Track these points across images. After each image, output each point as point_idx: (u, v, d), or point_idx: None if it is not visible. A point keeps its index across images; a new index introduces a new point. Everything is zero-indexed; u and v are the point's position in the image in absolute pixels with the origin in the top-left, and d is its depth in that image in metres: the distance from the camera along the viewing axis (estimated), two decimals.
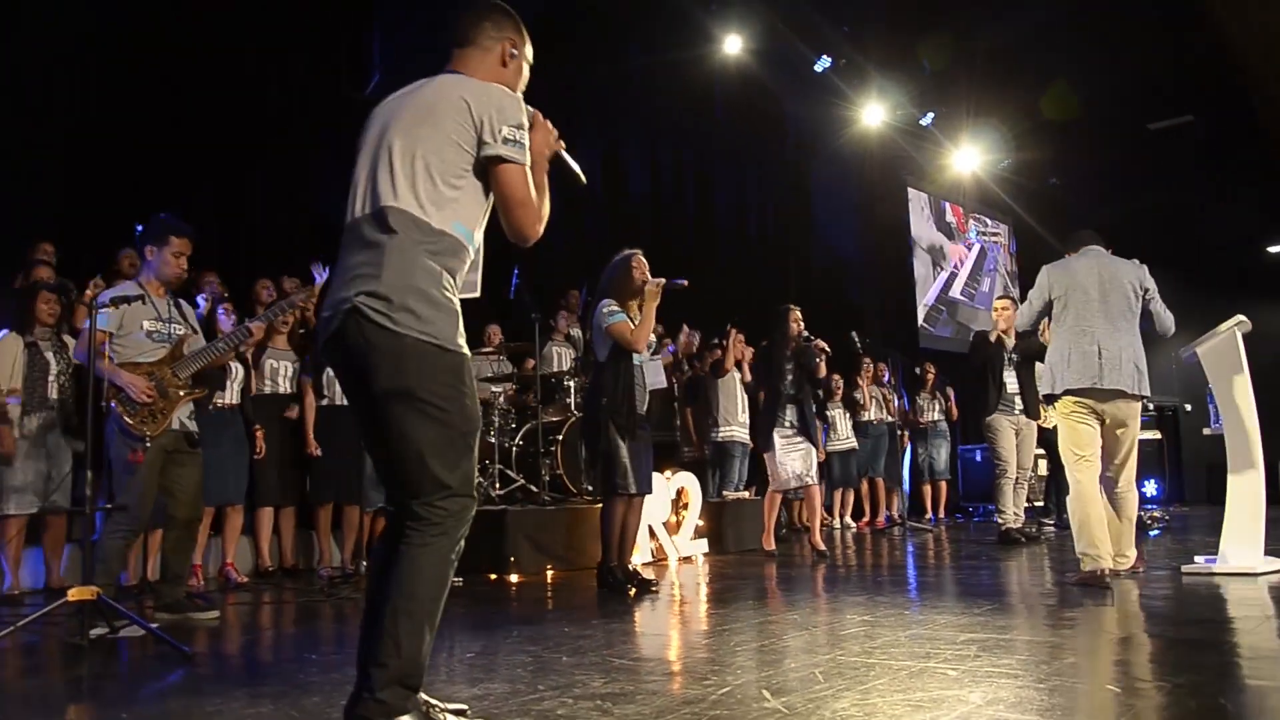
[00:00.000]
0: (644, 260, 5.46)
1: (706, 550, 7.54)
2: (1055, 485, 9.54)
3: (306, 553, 7.15)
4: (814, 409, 7.40)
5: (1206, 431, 5.69)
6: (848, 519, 10.89)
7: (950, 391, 11.92)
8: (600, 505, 5.63)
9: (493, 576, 6.25)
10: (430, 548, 2.22)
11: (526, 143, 2.35)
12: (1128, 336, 5.15)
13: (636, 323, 5.33)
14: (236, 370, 6.34)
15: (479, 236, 2.40)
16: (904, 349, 13.80)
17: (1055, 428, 5.46)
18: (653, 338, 5.47)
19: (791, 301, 7.53)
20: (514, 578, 6.23)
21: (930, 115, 14.34)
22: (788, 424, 7.16)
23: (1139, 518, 6.21)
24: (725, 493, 8.84)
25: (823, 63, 12.75)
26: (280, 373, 6.75)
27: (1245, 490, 5.13)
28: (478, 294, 2.50)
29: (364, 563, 6.31)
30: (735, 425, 9.03)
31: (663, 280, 5.35)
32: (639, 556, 6.49)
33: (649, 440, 5.57)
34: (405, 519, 2.24)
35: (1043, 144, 14.54)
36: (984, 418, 7.91)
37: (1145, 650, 3.36)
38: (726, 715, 2.44)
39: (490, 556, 6.36)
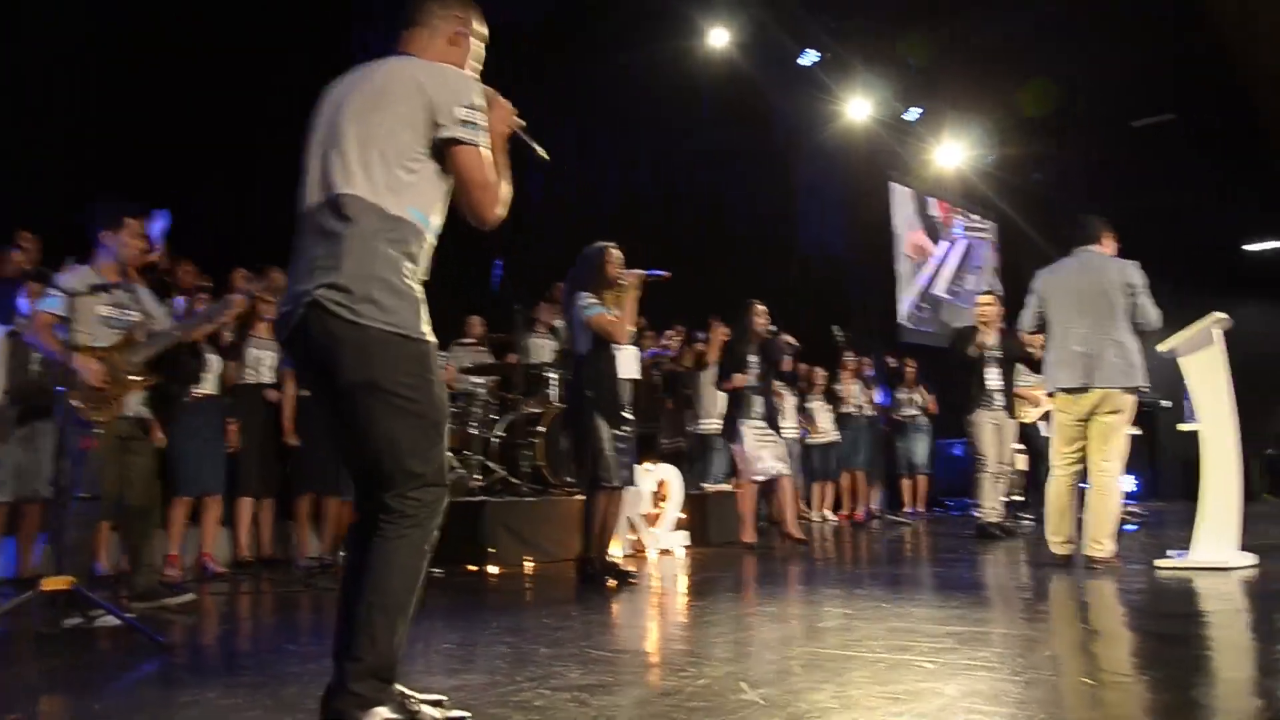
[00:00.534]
0: (616, 253, 5.45)
1: (686, 543, 7.55)
2: (1033, 480, 9.60)
3: (285, 543, 7.12)
4: (779, 402, 7.52)
5: (1182, 427, 5.73)
6: (827, 512, 10.92)
7: (929, 386, 11.96)
8: (580, 497, 5.62)
9: (472, 568, 6.24)
10: (405, 539, 2.20)
11: (483, 123, 2.30)
12: (1112, 334, 5.37)
13: (614, 314, 5.32)
14: (213, 360, 6.31)
15: (437, 221, 2.35)
16: (886, 344, 13.86)
17: (1034, 424, 5.59)
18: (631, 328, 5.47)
19: (774, 295, 7.57)
20: (493, 569, 6.22)
21: (915, 111, 14.36)
22: (756, 415, 7.26)
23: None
24: (705, 485, 8.85)
25: (808, 57, 12.75)
26: (262, 362, 6.70)
27: (1220, 486, 5.18)
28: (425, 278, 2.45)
29: (342, 554, 6.28)
30: (716, 418, 9.03)
31: (642, 271, 5.35)
32: (618, 549, 6.50)
33: (633, 432, 5.58)
34: (378, 512, 2.21)
35: (1026, 140, 14.59)
36: (965, 415, 7.97)
37: (1120, 644, 3.39)
38: (704, 707, 2.45)
39: (469, 548, 6.34)
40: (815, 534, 9.26)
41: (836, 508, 11.17)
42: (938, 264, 16.65)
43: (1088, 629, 3.70)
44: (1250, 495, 6.04)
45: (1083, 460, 5.52)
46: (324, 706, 2.20)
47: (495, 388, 8.08)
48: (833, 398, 10.82)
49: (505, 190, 2.35)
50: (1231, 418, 5.22)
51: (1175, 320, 5.69)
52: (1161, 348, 5.45)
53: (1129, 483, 13.62)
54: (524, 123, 2.52)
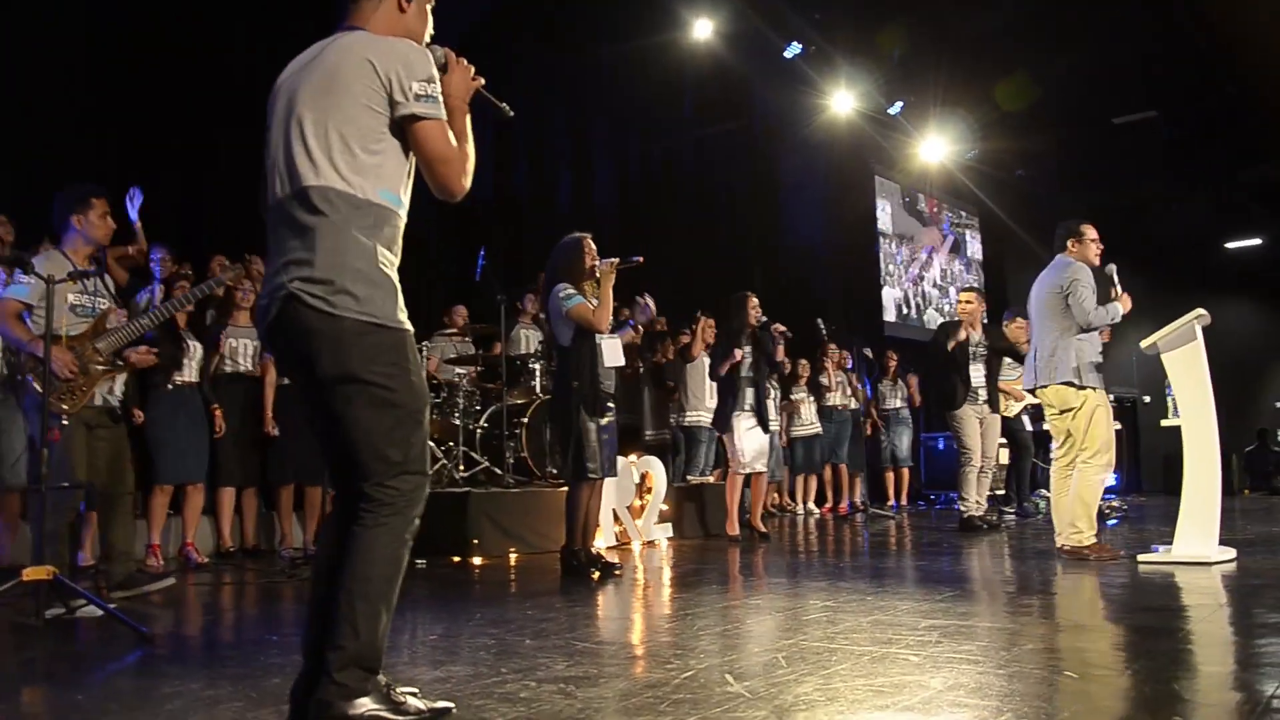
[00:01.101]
0: (592, 244, 5.45)
1: (670, 534, 7.56)
2: (1016, 474, 9.66)
3: (268, 533, 7.09)
4: (770, 392, 7.57)
5: (1164, 423, 5.80)
6: (810, 505, 10.95)
7: (913, 379, 12.01)
8: (564, 488, 5.62)
9: (455, 559, 6.23)
10: (385, 528, 2.19)
11: (440, 96, 2.26)
12: (1041, 336, 5.76)
13: (593, 304, 5.32)
14: (195, 348, 6.27)
15: (407, 199, 2.33)
16: (869, 337, 13.90)
17: (1018, 418, 5.66)
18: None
19: (758, 288, 7.60)
20: (477, 560, 6.21)
21: (899, 104, 14.39)
22: (746, 406, 7.31)
23: (1098, 508, 6.37)
24: (690, 477, 8.86)
25: (792, 49, 12.74)
26: (241, 351, 6.66)
27: (1201, 481, 5.22)
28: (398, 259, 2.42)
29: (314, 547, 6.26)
30: (703, 410, 9.05)
31: (617, 260, 5.35)
32: (603, 540, 6.50)
33: (615, 422, 5.58)
34: (357, 501, 2.21)
35: (1009, 135, 14.64)
36: (949, 409, 8.01)
37: (1102, 637, 3.41)
38: (689, 699, 2.45)
39: (453, 539, 6.33)
40: (799, 527, 9.29)
41: (820, 501, 11.20)
42: (924, 258, 16.70)
43: (1071, 623, 3.72)
44: (1230, 490, 6.09)
45: (1063, 451, 5.72)
46: (292, 700, 2.20)
47: (478, 378, 8.07)
48: (816, 389, 10.84)
49: (469, 159, 2.32)
50: (1212, 413, 5.26)
51: (1157, 316, 5.75)
52: (1144, 344, 5.50)
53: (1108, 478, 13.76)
54: (483, 80, 2.46)
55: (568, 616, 3.92)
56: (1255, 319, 17.36)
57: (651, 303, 6.74)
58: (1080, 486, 5.55)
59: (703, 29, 11.90)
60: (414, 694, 2.31)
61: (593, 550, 5.49)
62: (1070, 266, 5.71)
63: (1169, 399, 5.67)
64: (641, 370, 9.26)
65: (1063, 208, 12.87)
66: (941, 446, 13.17)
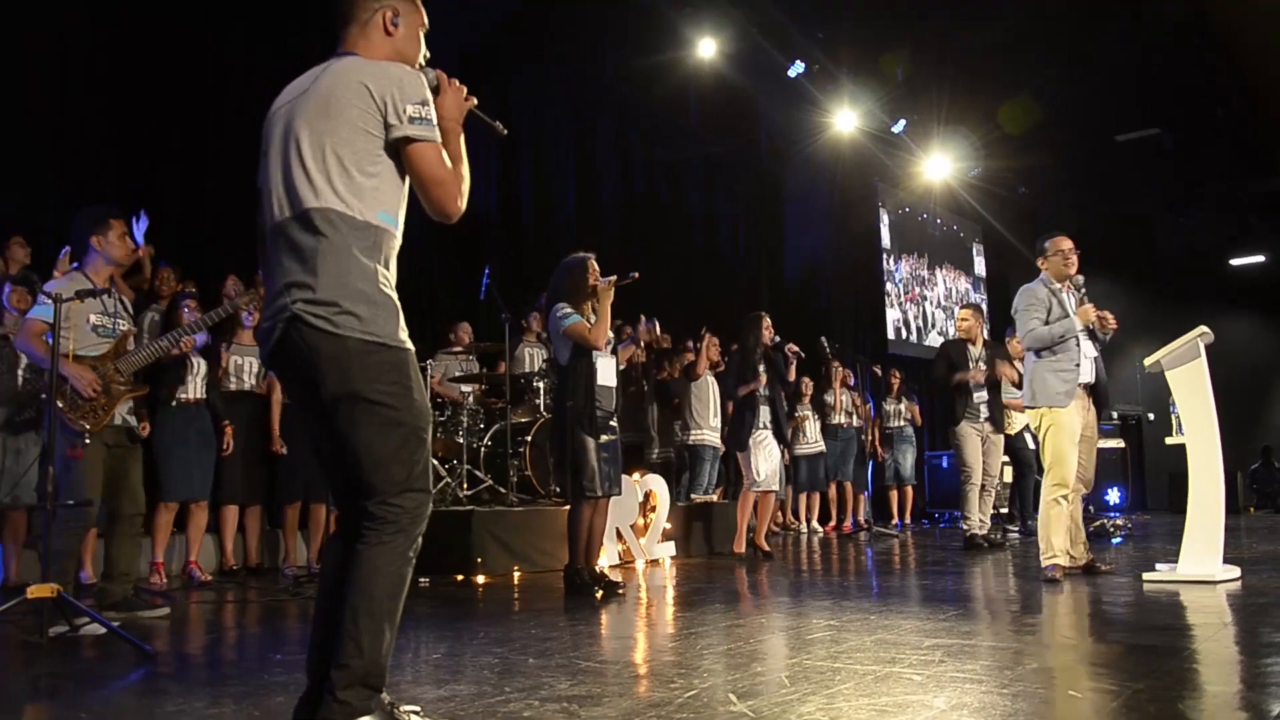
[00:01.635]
0: (595, 265, 5.47)
1: (674, 553, 7.55)
2: (1019, 493, 9.64)
3: (272, 551, 7.09)
4: (785, 410, 7.59)
5: (1169, 441, 5.78)
6: (815, 523, 10.92)
7: (916, 397, 12.00)
8: (567, 507, 5.62)
9: (459, 577, 6.22)
10: (388, 546, 2.20)
11: (434, 118, 2.29)
12: (1026, 356, 5.84)
13: (591, 322, 5.33)
14: (199, 364, 6.28)
15: (402, 219, 2.35)
16: (873, 355, 13.91)
17: (1019, 435, 5.65)
18: (610, 333, 5.48)
19: (763, 306, 7.63)
20: (481, 579, 6.20)
21: (902, 122, 14.43)
22: (763, 425, 7.33)
23: (1102, 524, 6.35)
24: (694, 496, 8.85)
25: (796, 68, 12.80)
26: (245, 369, 6.69)
27: (1205, 499, 5.20)
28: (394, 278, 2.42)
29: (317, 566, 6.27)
30: (707, 429, 9.04)
31: (614, 278, 5.36)
32: (606, 559, 6.49)
33: (617, 440, 5.58)
34: (361, 519, 2.22)
35: (1012, 153, 14.68)
36: (950, 426, 8.01)
37: (1106, 656, 3.40)
38: (693, 718, 2.45)
39: (457, 557, 6.32)
40: (802, 546, 9.27)
41: (824, 519, 11.17)
42: (927, 276, 16.71)
43: (1075, 642, 3.71)
44: (1236, 508, 6.08)
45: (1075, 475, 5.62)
46: (299, 715, 2.20)
47: (482, 396, 8.08)
48: (820, 408, 10.84)
49: (464, 180, 2.34)
50: (1216, 431, 5.25)
51: (1161, 334, 5.75)
52: (1147, 362, 5.50)
53: (1112, 495, 13.73)
54: (475, 100, 2.48)
55: (571, 635, 3.91)
56: (1260, 336, 17.33)
57: (646, 324, 6.75)
58: (1047, 512, 5.55)
59: (707, 48, 11.95)
60: (417, 713, 2.32)
61: (596, 569, 5.48)
62: (1022, 290, 5.77)
63: (1173, 417, 5.65)
64: (646, 388, 9.26)
65: (1066, 224, 12.88)
66: (945, 465, 13.14)
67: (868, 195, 15.70)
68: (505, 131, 2.65)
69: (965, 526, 7.91)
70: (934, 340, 16.00)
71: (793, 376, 7.78)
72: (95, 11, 7.55)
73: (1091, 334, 5.68)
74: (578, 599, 5.12)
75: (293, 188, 2.26)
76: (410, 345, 2.29)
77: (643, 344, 9.54)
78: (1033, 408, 5.63)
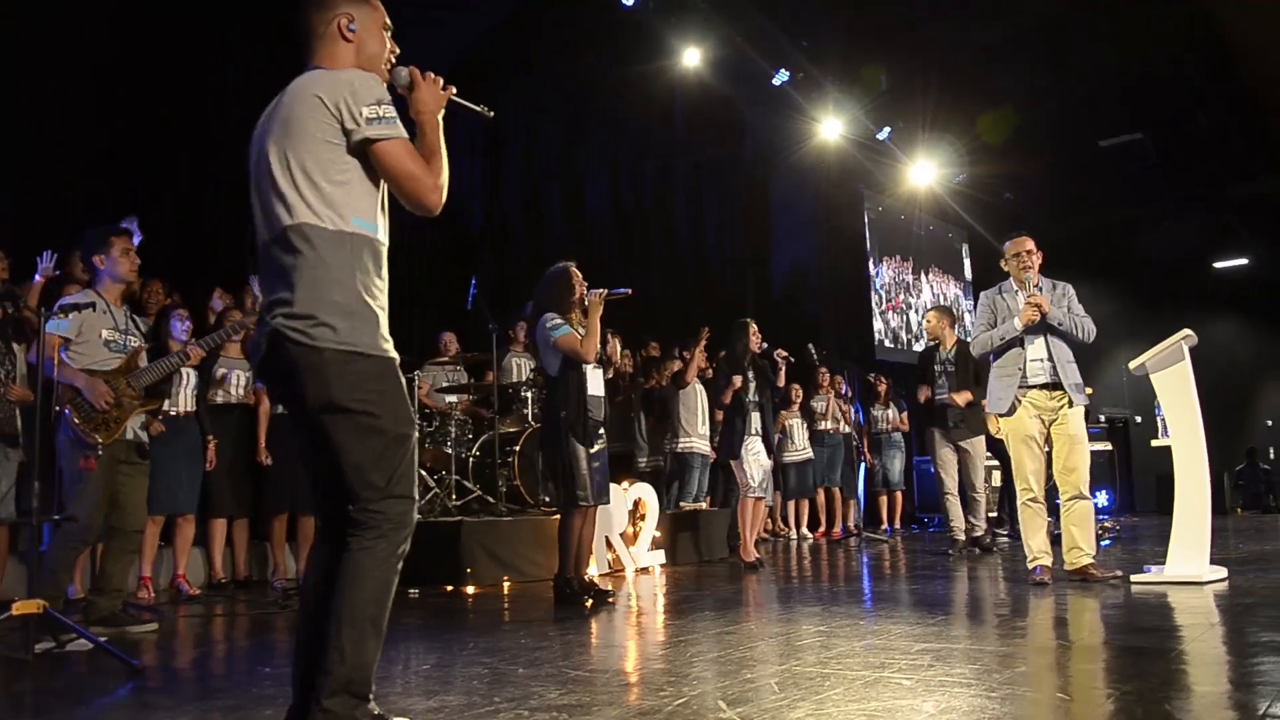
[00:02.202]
0: (578, 273, 5.47)
1: (664, 561, 7.54)
2: (1008, 496, 9.63)
3: (260, 564, 7.06)
4: (773, 417, 7.57)
5: (1155, 443, 5.80)
6: (804, 530, 10.92)
7: (904, 403, 12.01)
8: (556, 516, 5.61)
9: (449, 588, 6.21)
10: (369, 551, 2.21)
11: (393, 116, 2.29)
12: None
13: (582, 333, 5.33)
14: (189, 376, 6.25)
15: (384, 222, 2.37)
16: (860, 361, 13.93)
17: (1007, 438, 5.61)
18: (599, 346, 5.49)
19: (750, 313, 7.62)
20: (470, 589, 6.19)
21: (887, 130, 14.49)
22: (753, 431, 7.32)
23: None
24: (683, 504, 8.84)
25: (781, 76, 12.84)
26: (232, 381, 6.66)
27: (1192, 501, 5.23)
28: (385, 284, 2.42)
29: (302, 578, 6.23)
30: (695, 437, 9.02)
31: (605, 290, 5.37)
32: (596, 567, 6.48)
33: (605, 450, 5.58)
34: (345, 526, 2.23)
35: (997, 159, 14.74)
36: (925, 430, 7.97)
37: (1094, 658, 3.41)
38: None
39: (446, 567, 6.31)
40: (792, 552, 9.27)
41: (813, 525, 11.17)
42: (912, 282, 16.75)
43: (1063, 644, 3.72)
44: (1222, 509, 6.10)
45: (1059, 478, 5.62)
46: None
47: (470, 406, 8.06)
48: (809, 414, 10.84)
49: (443, 172, 2.34)
50: (1201, 433, 5.28)
51: (1146, 337, 5.76)
52: (1132, 365, 5.52)
53: (1100, 498, 13.77)
54: (454, 89, 2.46)
55: (561, 644, 3.91)
56: (1243, 338, 17.44)
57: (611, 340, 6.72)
58: (1022, 515, 5.60)
59: (692, 57, 11.97)
60: None
61: (586, 578, 5.47)
62: (979, 296, 5.84)
63: (1159, 419, 5.67)
64: (634, 397, 9.26)
65: (1050, 229, 12.95)
66: (932, 470, 13.15)
67: (854, 202, 15.73)
68: (491, 113, 2.63)
69: (952, 535, 7.91)
70: (921, 347, 16.03)
71: (782, 382, 7.75)
72: (84, 27, 7.52)
73: (1053, 330, 5.52)
74: (567, 608, 5.11)
75: (269, 209, 2.30)
76: (393, 354, 2.31)
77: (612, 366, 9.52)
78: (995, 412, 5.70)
